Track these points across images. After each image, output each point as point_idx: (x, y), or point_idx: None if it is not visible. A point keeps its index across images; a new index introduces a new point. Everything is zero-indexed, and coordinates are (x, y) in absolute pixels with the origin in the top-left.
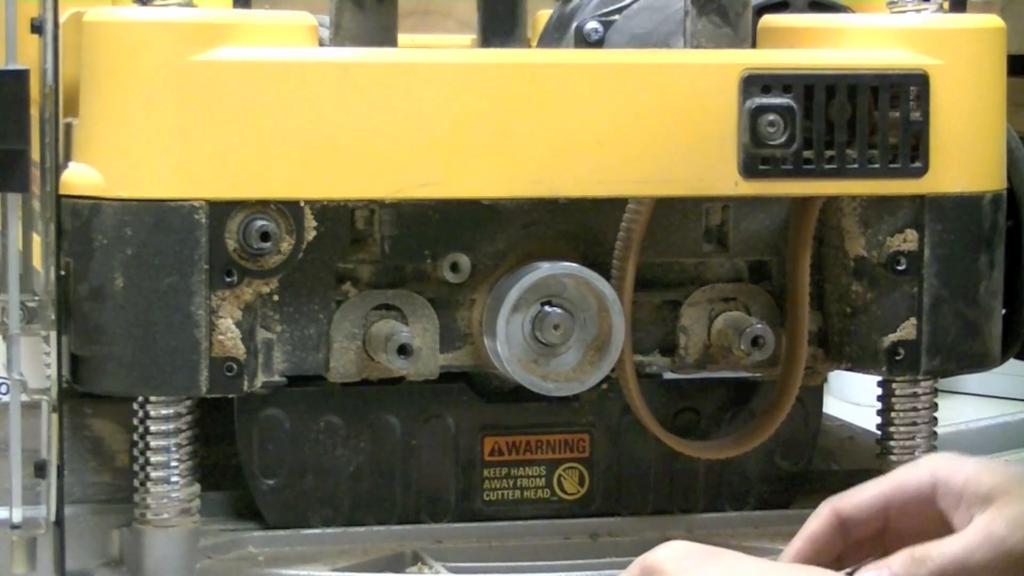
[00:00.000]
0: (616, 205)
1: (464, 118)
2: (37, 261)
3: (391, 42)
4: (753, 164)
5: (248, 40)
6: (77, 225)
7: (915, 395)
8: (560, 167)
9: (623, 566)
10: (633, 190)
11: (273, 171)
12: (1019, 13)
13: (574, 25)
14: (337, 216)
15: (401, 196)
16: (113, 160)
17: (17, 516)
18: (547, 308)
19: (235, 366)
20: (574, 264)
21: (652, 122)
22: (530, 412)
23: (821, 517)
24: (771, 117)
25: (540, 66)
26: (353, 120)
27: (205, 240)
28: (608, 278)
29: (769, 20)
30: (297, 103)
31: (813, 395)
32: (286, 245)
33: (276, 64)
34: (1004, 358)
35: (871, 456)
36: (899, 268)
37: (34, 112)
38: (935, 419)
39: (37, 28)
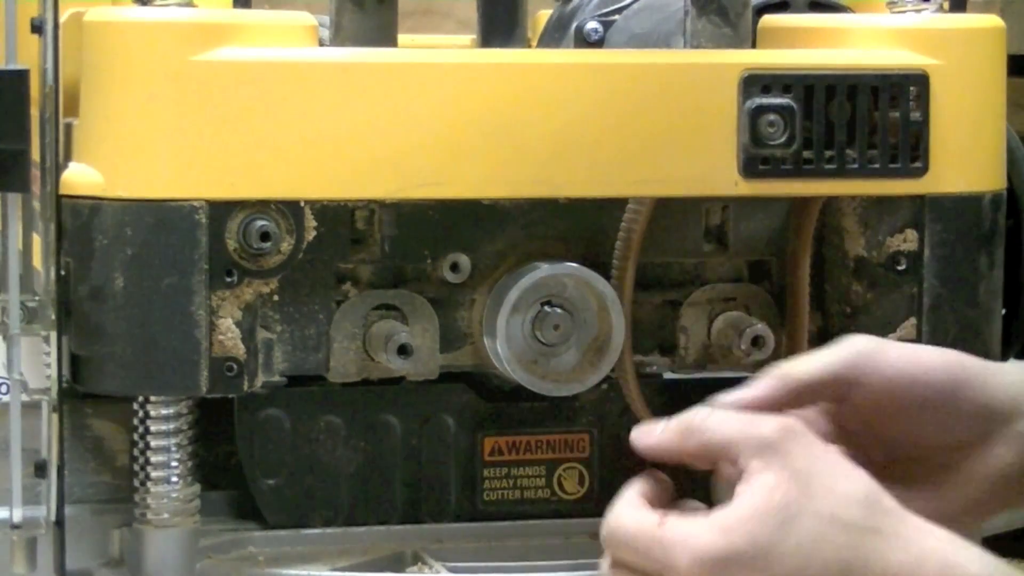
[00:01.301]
0: (616, 205)
1: (464, 118)
2: (37, 261)
3: (391, 42)
4: (753, 164)
5: (248, 40)
6: (77, 225)
7: None
8: (560, 167)
9: None
10: (633, 190)
11: (273, 171)
12: (1019, 13)
13: (574, 25)
14: (337, 216)
15: (401, 196)
16: (113, 160)
17: (17, 516)
18: (547, 308)
19: (235, 366)
20: (574, 264)
21: (652, 122)
22: (530, 412)
23: (768, 379)
24: (771, 117)
25: (540, 66)
26: (353, 120)
27: (205, 240)
28: (608, 278)
29: (769, 20)
30: (297, 103)
31: None
32: (286, 245)
33: (276, 64)
34: (1004, 358)
35: None
36: (899, 268)
37: (34, 112)
38: None
39: (37, 28)
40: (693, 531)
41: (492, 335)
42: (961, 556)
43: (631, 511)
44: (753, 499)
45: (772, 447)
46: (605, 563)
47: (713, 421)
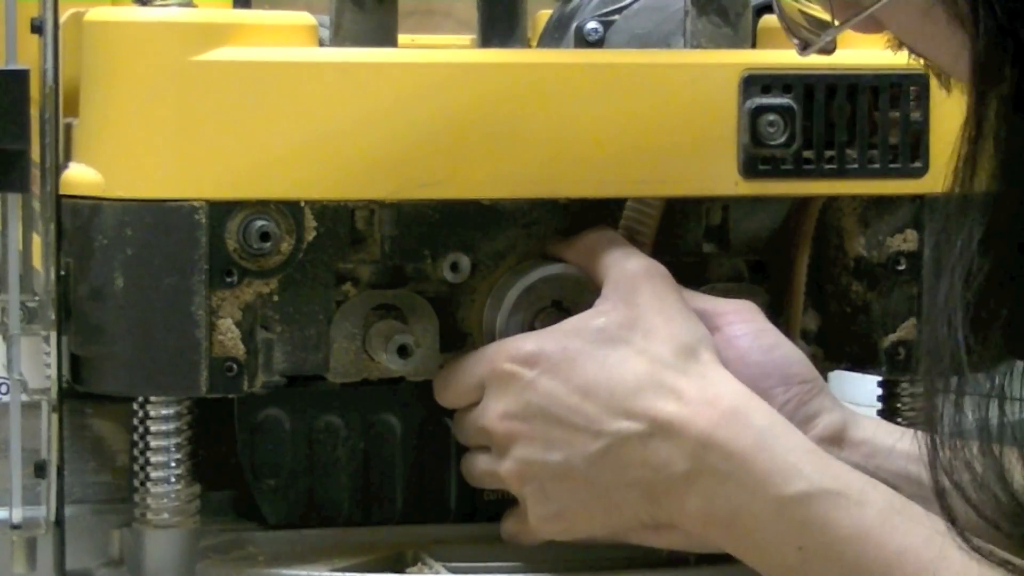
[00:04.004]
0: (616, 205)
1: (464, 118)
2: (37, 261)
3: (391, 42)
4: (753, 164)
5: (248, 40)
6: (77, 225)
7: (915, 395)
8: (560, 167)
9: (624, 566)
10: (633, 190)
11: (273, 171)
12: None
13: (574, 25)
14: (337, 216)
15: (401, 196)
16: (113, 160)
17: (17, 516)
18: (548, 309)
19: (235, 366)
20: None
21: (652, 122)
22: None
23: None
24: (771, 117)
25: (540, 66)
26: (353, 120)
27: (205, 240)
28: None
29: (769, 20)
30: (297, 103)
31: None
32: (286, 245)
33: (276, 64)
34: None
35: None
36: (899, 268)
37: (34, 112)
38: None
39: (37, 28)
40: (513, 339)
41: (491, 335)
42: (752, 405)
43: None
44: (581, 318)
45: (627, 281)
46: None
47: (611, 238)
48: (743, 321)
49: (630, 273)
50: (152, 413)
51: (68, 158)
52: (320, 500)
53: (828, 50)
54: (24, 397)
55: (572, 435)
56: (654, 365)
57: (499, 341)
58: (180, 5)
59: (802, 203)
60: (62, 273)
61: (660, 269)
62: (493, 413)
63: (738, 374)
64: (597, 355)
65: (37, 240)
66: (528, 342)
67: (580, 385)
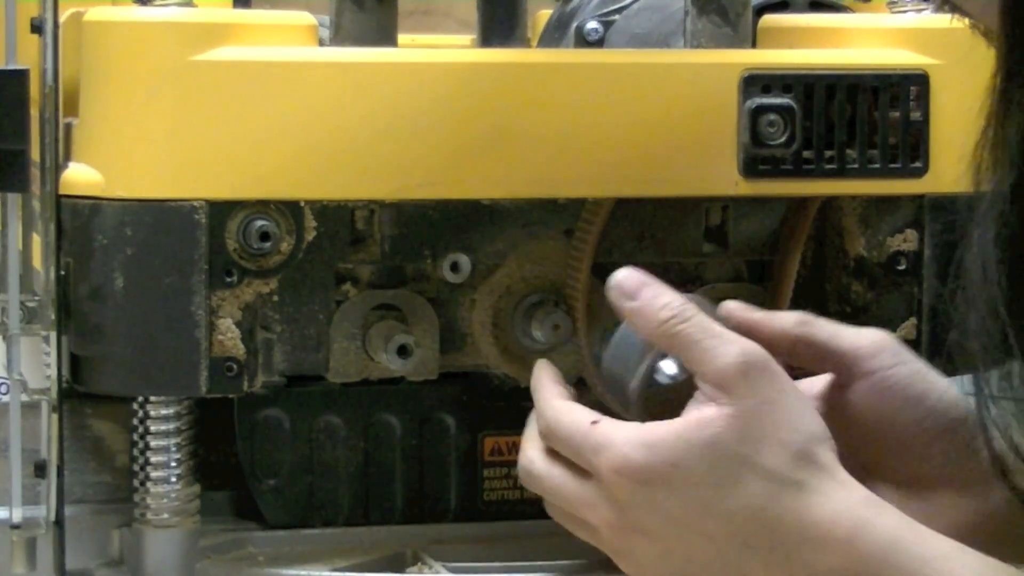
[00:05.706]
0: (617, 205)
1: (464, 118)
2: (37, 261)
3: (391, 42)
4: (753, 164)
5: (248, 40)
6: (77, 225)
7: None
8: (560, 167)
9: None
10: (633, 190)
11: (273, 171)
12: None
13: (574, 25)
14: (337, 216)
15: (401, 196)
16: (113, 160)
17: (17, 516)
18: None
19: (235, 366)
20: None
21: (652, 122)
22: (530, 412)
23: None
24: (771, 117)
25: (540, 66)
26: (353, 120)
27: (205, 240)
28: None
29: (769, 20)
30: (297, 103)
31: None
32: (286, 245)
33: (276, 64)
34: None
35: None
36: (899, 268)
37: (34, 112)
38: None
39: (37, 28)
40: (620, 438)
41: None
42: (874, 516)
43: (567, 407)
44: (687, 424)
45: (726, 380)
46: (534, 450)
47: (691, 324)
48: (889, 365)
49: (726, 367)
50: (152, 413)
51: (68, 158)
52: (320, 500)
53: None
54: (24, 397)
55: (691, 550)
56: (770, 484)
57: (606, 440)
58: (180, 5)
59: (799, 203)
60: (62, 273)
61: (758, 355)
62: (604, 520)
63: (891, 433)
64: (710, 477)
65: (37, 240)
66: (637, 453)
67: (696, 509)
